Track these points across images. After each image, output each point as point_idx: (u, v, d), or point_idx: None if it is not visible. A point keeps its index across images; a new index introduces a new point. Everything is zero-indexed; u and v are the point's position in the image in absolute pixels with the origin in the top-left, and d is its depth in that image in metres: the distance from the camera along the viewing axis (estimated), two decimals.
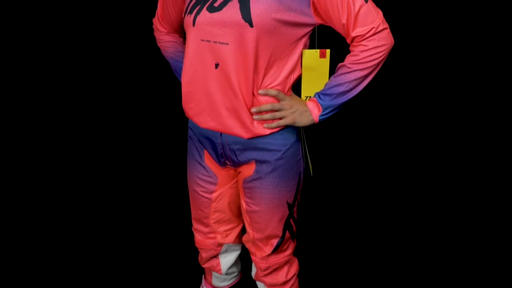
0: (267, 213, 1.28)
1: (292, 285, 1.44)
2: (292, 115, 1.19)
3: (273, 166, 1.23)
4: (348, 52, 1.17)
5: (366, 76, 1.16)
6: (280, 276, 1.40)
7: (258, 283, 1.49)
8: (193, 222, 1.50)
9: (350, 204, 2.45)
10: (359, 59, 1.13)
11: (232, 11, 1.09)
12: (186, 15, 1.18)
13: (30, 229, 2.20)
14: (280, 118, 1.19)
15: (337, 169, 2.71)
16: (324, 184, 2.54)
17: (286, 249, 1.38)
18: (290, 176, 1.26)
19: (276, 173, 1.23)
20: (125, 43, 2.68)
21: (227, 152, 1.26)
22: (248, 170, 1.26)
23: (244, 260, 1.66)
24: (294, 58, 1.17)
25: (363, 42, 1.12)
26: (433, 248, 2.08)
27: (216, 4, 1.11)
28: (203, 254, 1.53)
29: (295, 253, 1.44)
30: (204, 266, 1.59)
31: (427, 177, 2.63)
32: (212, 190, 1.37)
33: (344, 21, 1.11)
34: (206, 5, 1.13)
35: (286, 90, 1.20)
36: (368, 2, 1.11)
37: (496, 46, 2.60)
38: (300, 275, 1.50)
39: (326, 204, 2.44)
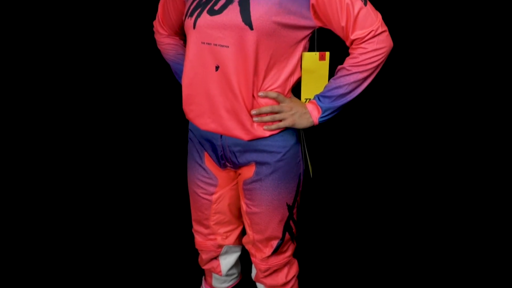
0: (267, 215, 1.28)
1: (292, 287, 1.44)
2: (291, 117, 1.19)
3: (273, 168, 1.23)
4: (348, 54, 1.18)
5: (365, 79, 1.17)
6: (280, 278, 1.41)
7: (258, 284, 1.49)
8: (193, 223, 1.50)
9: (349, 205, 2.45)
10: (358, 62, 1.14)
11: (233, 14, 1.09)
12: (187, 18, 1.18)
13: (30, 229, 2.20)
14: (280, 120, 1.19)
15: (336, 171, 2.72)
16: (324, 186, 2.55)
17: (286, 251, 1.38)
18: (290, 178, 1.26)
19: (276, 175, 1.24)
20: (126, 45, 2.68)
21: (227, 154, 1.26)
22: (248, 172, 1.26)
23: (244, 262, 1.66)
24: (293, 60, 1.18)
25: (362, 45, 1.13)
26: (433, 249, 2.09)
27: (216, 7, 1.12)
28: (203, 256, 1.53)
29: (295, 255, 1.45)
30: (204, 267, 1.59)
31: (426, 179, 2.64)
32: (212, 192, 1.38)
33: (343, 24, 1.12)
34: (207, 8, 1.13)
35: (286, 92, 1.21)
36: (367, 5, 1.12)
37: (494, 49, 2.61)
38: (300, 276, 1.50)
39: (325, 206, 2.45)
